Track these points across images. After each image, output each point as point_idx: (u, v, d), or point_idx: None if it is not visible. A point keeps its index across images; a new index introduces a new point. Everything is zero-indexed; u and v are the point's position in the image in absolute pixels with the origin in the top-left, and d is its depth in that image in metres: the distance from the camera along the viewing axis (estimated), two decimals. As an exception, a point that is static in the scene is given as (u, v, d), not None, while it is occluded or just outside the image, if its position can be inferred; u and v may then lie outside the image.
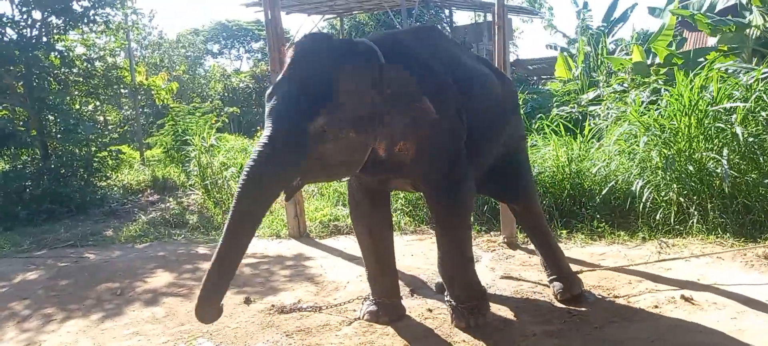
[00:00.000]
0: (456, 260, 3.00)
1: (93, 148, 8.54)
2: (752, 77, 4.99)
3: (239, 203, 2.44)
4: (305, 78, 2.50)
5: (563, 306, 3.26)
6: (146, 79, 12.05)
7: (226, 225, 2.47)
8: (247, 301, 3.69)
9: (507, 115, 3.39)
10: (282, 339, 3.05)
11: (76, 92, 9.21)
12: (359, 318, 3.24)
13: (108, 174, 8.70)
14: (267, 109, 2.53)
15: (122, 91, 11.16)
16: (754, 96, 4.71)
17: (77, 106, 9.56)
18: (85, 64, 9.01)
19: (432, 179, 2.91)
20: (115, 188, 8.61)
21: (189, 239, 5.78)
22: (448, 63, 2.99)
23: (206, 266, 4.59)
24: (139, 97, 12.62)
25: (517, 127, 3.57)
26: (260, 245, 5.23)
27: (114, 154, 9.04)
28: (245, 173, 2.44)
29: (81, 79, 9.05)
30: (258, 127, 17.35)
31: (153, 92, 11.23)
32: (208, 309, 2.52)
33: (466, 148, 2.94)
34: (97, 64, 9.46)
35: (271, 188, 2.51)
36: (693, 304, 3.15)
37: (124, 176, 9.47)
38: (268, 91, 2.56)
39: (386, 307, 3.20)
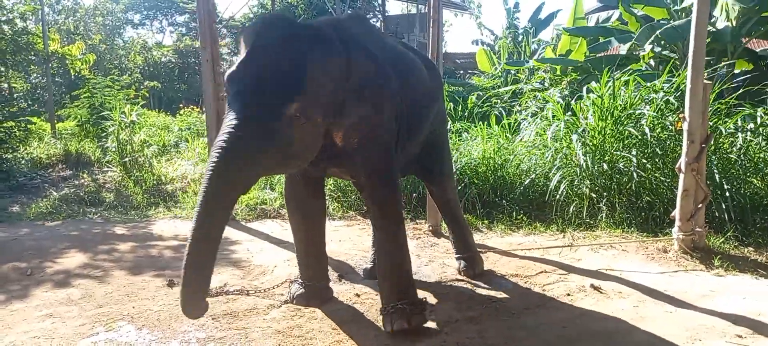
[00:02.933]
0: (395, 255, 2.92)
1: (-1, 118, 7.94)
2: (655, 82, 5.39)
3: (206, 199, 2.25)
4: (275, 62, 2.40)
5: (484, 293, 3.41)
6: (61, 47, 11.28)
7: (194, 220, 2.25)
8: (170, 284, 3.60)
9: (435, 100, 3.52)
10: (208, 322, 3.00)
11: (-21, 56, 8.53)
12: (287, 301, 3.25)
13: (15, 146, 8.12)
14: (231, 94, 2.41)
15: (32, 58, 10.41)
16: (660, 101, 5.08)
17: (-21, 72, 8.86)
18: (-10, 27, 8.36)
19: (370, 171, 2.85)
20: (23, 161, 8.06)
21: (105, 217, 5.54)
22: (387, 51, 3.04)
23: (124, 246, 4.47)
24: (52, 65, 11.81)
25: (441, 112, 3.74)
26: (183, 227, 5.09)
27: (22, 124, 8.44)
28: (212, 164, 2.27)
29: (-14, 43, 8.39)
30: (181, 105, 16.74)
31: (67, 62, 10.54)
32: (194, 306, 2.37)
33: (402, 134, 3.01)
34: (5, 27, 8.79)
35: (240, 179, 2.36)
36: (601, 292, 3.39)
37: (33, 148, 8.87)
38: (228, 74, 2.43)
39: (315, 290, 3.24)
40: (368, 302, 3.28)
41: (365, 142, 2.71)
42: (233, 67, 2.45)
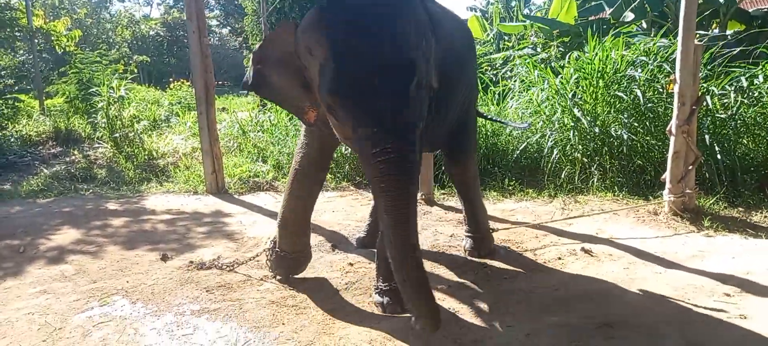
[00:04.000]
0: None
1: (-15, 96, 7.85)
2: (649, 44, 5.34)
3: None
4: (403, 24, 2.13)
5: (476, 260, 3.44)
6: (45, 23, 11.10)
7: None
8: (164, 258, 3.61)
9: (467, 66, 3.17)
10: (202, 294, 3.02)
11: (-38, 33, 8.38)
12: (270, 270, 3.21)
13: (3, 123, 8.05)
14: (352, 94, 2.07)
15: (16, 34, 10.24)
16: (651, 64, 5.06)
17: (-36, 49, 8.72)
18: (-28, 2, 8.20)
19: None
20: (12, 139, 7.99)
21: (98, 193, 5.52)
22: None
23: (117, 222, 4.46)
24: (37, 41, 11.62)
25: (473, 80, 3.38)
26: (176, 201, 5.09)
27: (9, 102, 8.35)
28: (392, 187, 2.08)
29: (-32, 19, 8.24)
30: (171, 79, 16.57)
31: (53, 38, 10.38)
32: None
33: (435, 104, 2.69)
34: (-13, 2, 8.64)
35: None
36: (592, 256, 3.43)
37: (22, 126, 8.78)
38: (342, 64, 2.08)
39: (298, 259, 3.12)
40: (361, 270, 3.30)
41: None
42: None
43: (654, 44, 5.24)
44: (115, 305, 2.95)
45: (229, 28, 30.35)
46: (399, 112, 2.05)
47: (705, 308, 2.68)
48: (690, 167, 4.05)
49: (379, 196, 2.09)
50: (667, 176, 4.12)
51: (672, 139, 4.05)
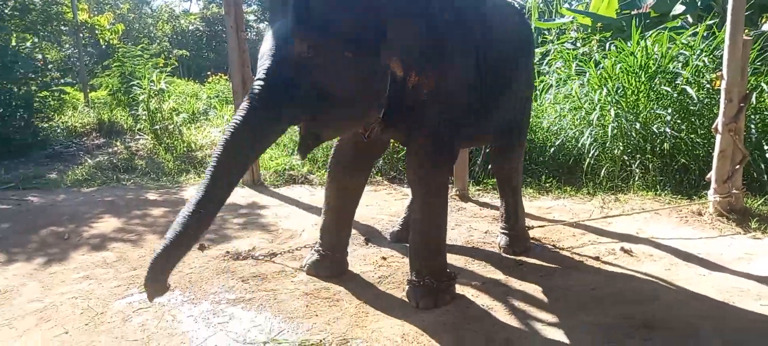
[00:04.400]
0: (430, 229, 2.71)
1: (33, 87, 8.13)
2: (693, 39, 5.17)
3: (219, 157, 2.13)
4: None
5: (511, 257, 3.39)
6: (90, 17, 11.43)
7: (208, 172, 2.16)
8: (201, 247, 3.67)
9: (523, 58, 3.11)
10: (238, 284, 3.07)
11: (12, 27, 8.67)
12: (301, 268, 3.24)
13: (50, 115, 8.33)
14: None
15: (63, 28, 10.58)
16: (696, 59, 4.89)
17: (13, 43, 9.03)
18: (21, -3, 8.50)
19: (431, 130, 2.55)
20: (58, 130, 8.26)
21: (138, 184, 5.65)
22: None
23: (156, 211, 4.57)
24: (82, 35, 11.99)
25: (529, 72, 3.30)
26: (213, 192, 5.16)
27: (56, 94, 8.63)
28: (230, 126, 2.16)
29: (17, 14, 8.52)
30: (209, 73, 16.87)
31: (97, 32, 10.68)
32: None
33: (482, 96, 2.72)
34: (36, -1, 8.94)
35: (249, 142, 2.21)
36: (631, 256, 3.34)
37: (67, 117, 9.07)
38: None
39: (330, 260, 3.13)
40: (395, 265, 3.30)
41: (438, 91, 2.45)
42: None
43: (698, 37, 5.06)
44: (154, 292, 3.01)
45: (266, 22, 30.73)
46: (267, 75, 2.18)
47: (750, 312, 2.58)
48: (737, 166, 3.90)
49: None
50: (712, 175, 3.98)
51: (718, 137, 3.91)
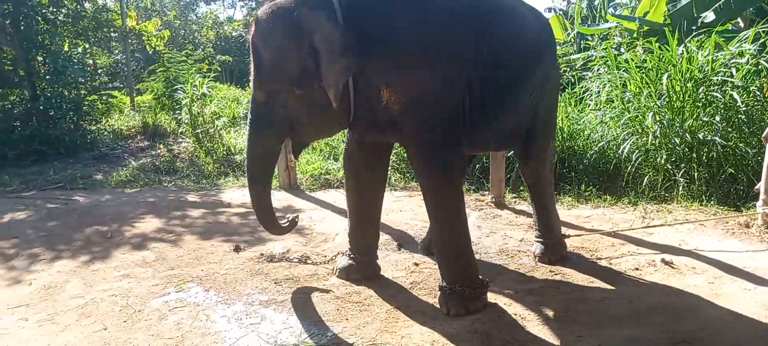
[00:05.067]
0: (443, 236, 2.72)
1: (83, 91, 8.46)
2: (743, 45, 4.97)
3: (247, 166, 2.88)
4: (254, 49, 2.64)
5: (546, 267, 3.32)
6: (137, 23, 11.81)
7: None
8: (237, 249, 3.74)
9: (540, 61, 3.05)
10: (271, 286, 3.10)
11: (65, 33, 9.04)
12: (333, 271, 3.25)
13: (98, 118, 8.65)
14: None
15: (112, 34, 10.97)
16: (747, 64, 4.70)
17: (66, 48, 9.41)
18: (74, 4, 8.83)
19: (416, 137, 2.63)
20: (105, 133, 8.55)
21: (179, 186, 5.80)
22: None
23: (195, 213, 4.67)
24: (130, 41, 12.40)
25: (551, 75, 3.25)
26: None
27: (104, 98, 8.95)
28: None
29: (70, 21, 8.88)
30: (249, 78, 17.18)
31: (144, 38, 11.03)
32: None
33: (483, 98, 2.71)
34: (87, 5, 9.27)
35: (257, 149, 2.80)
36: (672, 268, 3.22)
37: (114, 120, 9.39)
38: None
39: (360, 264, 3.15)
40: (426, 271, 3.27)
41: (410, 103, 2.54)
42: None
43: (748, 41, 4.86)
44: (190, 291, 3.08)
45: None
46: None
47: (800, 330, 2.45)
48: (788, 177, 3.72)
49: None
50: (761, 185, 3.81)
51: (768, 146, 3.75)
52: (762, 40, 5.02)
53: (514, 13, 2.97)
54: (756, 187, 3.89)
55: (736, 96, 4.49)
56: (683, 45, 5.01)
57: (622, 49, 7.63)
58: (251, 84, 2.71)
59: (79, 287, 3.18)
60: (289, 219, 3.11)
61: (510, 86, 2.86)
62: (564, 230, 3.62)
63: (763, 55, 4.78)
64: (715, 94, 4.68)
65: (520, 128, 3.13)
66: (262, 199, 2.89)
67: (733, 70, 4.72)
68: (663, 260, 3.30)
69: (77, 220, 4.50)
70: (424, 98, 2.57)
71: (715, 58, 4.85)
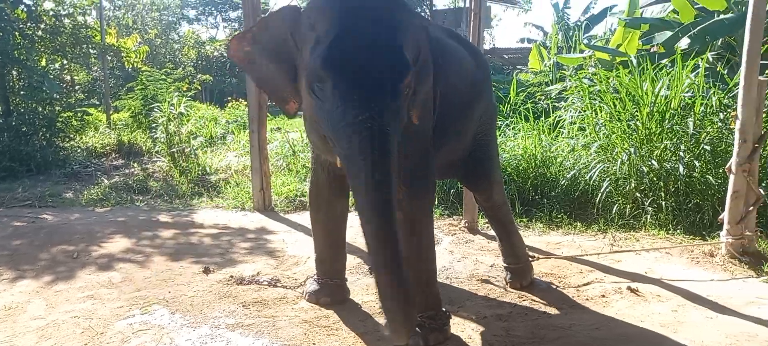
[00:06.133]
0: (417, 262, 2.61)
1: (57, 108, 8.35)
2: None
3: None
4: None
5: (515, 292, 3.34)
6: (117, 40, 11.75)
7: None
8: (206, 271, 3.70)
9: (480, 96, 3.17)
10: (238, 309, 3.07)
11: (43, 49, 8.95)
12: (303, 295, 3.23)
13: (71, 135, 8.53)
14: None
15: (91, 51, 10.88)
16: (708, 97, 4.85)
17: (43, 64, 9.31)
18: (52, 20, 8.76)
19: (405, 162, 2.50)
20: (79, 150, 8.44)
21: (151, 205, 5.73)
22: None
23: (166, 233, 4.60)
24: (109, 58, 12.31)
25: (489, 110, 3.35)
26: (223, 217, 5.21)
27: (79, 115, 8.85)
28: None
29: (48, 36, 8.80)
30: (230, 98, 17.13)
31: (123, 54, 10.97)
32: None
33: (441, 129, 2.75)
34: (66, 21, 9.21)
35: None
36: (638, 295, 3.27)
37: (88, 138, 9.27)
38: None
39: (330, 288, 3.14)
40: (396, 295, 3.26)
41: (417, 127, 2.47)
42: None
43: (699, 77, 5.02)
44: (156, 314, 3.03)
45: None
46: (387, 103, 2.03)
47: (759, 359, 2.50)
48: (750, 208, 3.82)
49: (356, 184, 2.00)
50: (725, 216, 3.90)
51: (732, 177, 3.85)
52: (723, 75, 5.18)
53: (457, 53, 3.04)
54: (720, 217, 3.97)
55: (691, 127, 4.62)
56: (650, 77, 5.13)
57: (594, 80, 7.81)
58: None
59: (40, 308, 3.12)
60: None
61: (455, 121, 2.93)
62: (532, 255, 3.66)
63: (716, 87, 4.94)
64: (677, 127, 4.80)
65: (460, 158, 3.19)
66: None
67: (695, 103, 4.85)
68: (629, 288, 3.34)
69: (44, 239, 4.42)
70: (419, 122, 2.53)
71: (668, 91, 4.97)
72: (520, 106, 6.50)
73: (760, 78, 3.78)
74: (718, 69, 5.65)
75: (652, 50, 7.68)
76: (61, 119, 8.22)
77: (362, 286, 3.44)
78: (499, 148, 3.96)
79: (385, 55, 2.08)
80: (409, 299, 1.95)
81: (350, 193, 3.04)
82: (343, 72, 2.03)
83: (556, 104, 7.15)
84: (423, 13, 18.93)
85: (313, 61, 2.11)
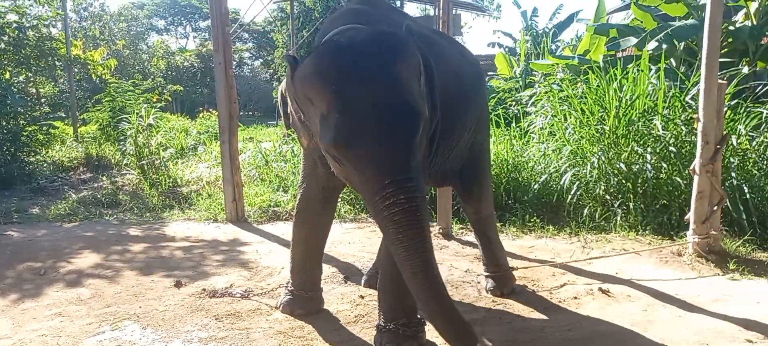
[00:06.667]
0: (395, 270, 2.48)
1: (22, 122, 8.15)
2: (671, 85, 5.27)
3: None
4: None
5: (488, 296, 3.37)
6: (83, 52, 11.53)
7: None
8: (178, 284, 3.64)
9: (472, 101, 3.12)
10: (211, 323, 3.03)
11: (6, 62, 8.74)
12: (277, 306, 3.20)
13: (37, 149, 8.33)
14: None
15: (57, 63, 10.67)
16: (672, 99, 4.98)
17: (7, 77, 9.09)
18: (16, 32, 8.57)
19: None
20: (45, 165, 8.25)
21: (121, 219, 5.63)
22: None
23: (136, 247, 4.53)
24: (75, 70, 12.08)
25: (481, 116, 3.32)
26: (196, 229, 5.14)
27: (44, 128, 8.65)
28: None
29: (11, 49, 8.61)
30: (201, 108, 16.95)
31: (89, 67, 10.77)
32: None
33: (435, 135, 2.70)
34: (29, 33, 9.01)
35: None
36: (609, 296, 3.32)
37: (55, 152, 9.08)
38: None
39: (304, 299, 3.11)
40: (371, 303, 3.26)
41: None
42: None
43: (659, 76, 5.16)
44: (126, 329, 2.98)
45: (260, 60, 31.11)
46: (407, 161, 2.01)
47: (725, 354, 2.56)
48: (715, 208, 3.92)
49: (396, 246, 2.02)
50: (690, 216, 4.00)
51: (696, 178, 3.95)
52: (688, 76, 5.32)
53: (446, 54, 3.01)
54: (686, 217, 4.07)
55: (659, 127, 4.73)
56: (617, 80, 5.25)
57: (562, 85, 7.95)
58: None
59: (6, 328, 3.03)
60: None
61: (446, 126, 2.84)
62: (511, 262, 3.69)
63: (676, 89, 5.08)
64: (643, 124, 4.91)
65: (455, 166, 3.17)
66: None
67: (656, 106, 4.98)
68: (600, 289, 3.40)
69: (9, 256, 4.30)
70: None
71: (636, 90, 5.10)
72: (491, 113, 6.56)
73: (720, 81, 3.89)
74: (678, 72, 5.81)
75: (618, 55, 7.86)
76: (25, 133, 8.03)
77: (337, 295, 3.43)
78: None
79: (394, 117, 2.02)
80: (466, 325, 2.14)
81: (335, 204, 3.06)
82: (356, 149, 2.02)
83: (526, 110, 7.25)
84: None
85: (322, 141, 2.10)
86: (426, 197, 2.16)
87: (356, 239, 4.77)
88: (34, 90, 13.00)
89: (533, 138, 6.17)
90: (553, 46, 11.09)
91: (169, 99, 15.57)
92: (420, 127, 2.07)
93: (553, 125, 5.91)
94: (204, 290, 3.52)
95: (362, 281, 3.62)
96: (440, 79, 2.51)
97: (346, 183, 2.80)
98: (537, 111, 6.60)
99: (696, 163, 3.94)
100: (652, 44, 6.65)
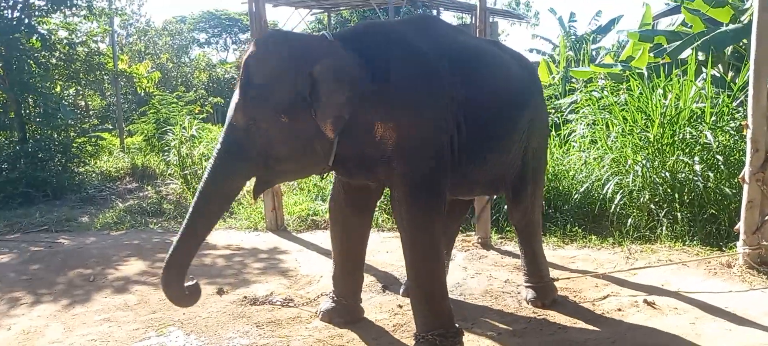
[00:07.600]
0: (418, 278, 2.70)
1: (72, 134, 8.48)
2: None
3: (195, 202, 2.64)
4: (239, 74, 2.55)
5: (530, 308, 3.32)
6: (129, 66, 11.93)
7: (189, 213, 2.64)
8: (220, 292, 3.72)
9: (525, 107, 3.09)
10: (252, 330, 3.08)
11: (57, 76, 9.11)
12: (316, 314, 3.23)
13: (86, 160, 8.64)
14: None
15: (104, 77, 11.06)
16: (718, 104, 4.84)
17: (58, 91, 9.47)
18: (67, 48, 8.92)
19: (406, 178, 2.61)
20: (93, 175, 8.54)
21: (165, 228, 5.78)
22: (442, 45, 2.79)
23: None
24: (122, 83, 12.50)
25: (539, 123, 3.27)
26: (236, 237, 5.24)
27: (93, 140, 8.97)
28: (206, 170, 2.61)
29: (62, 64, 8.96)
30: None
31: (135, 80, 11.13)
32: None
33: (477, 138, 2.76)
34: (79, 48, 9.36)
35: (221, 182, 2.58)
36: (655, 308, 3.23)
37: (103, 162, 9.39)
38: None
39: (344, 308, 3.13)
40: (410, 313, 3.22)
41: (401, 148, 2.55)
42: None
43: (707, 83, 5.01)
44: (171, 335, 3.06)
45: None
46: None
47: (780, 370, 2.46)
48: (766, 218, 3.77)
49: None
50: (740, 226, 3.86)
51: (745, 187, 3.81)
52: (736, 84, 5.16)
53: (495, 59, 3.04)
54: (736, 227, 3.93)
55: (709, 136, 4.58)
56: (661, 88, 5.12)
57: (606, 92, 7.79)
58: (231, 108, 2.52)
59: (58, 332, 3.15)
60: (189, 287, 2.81)
61: (494, 130, 2.90)
62: (552, 273, 3.62)
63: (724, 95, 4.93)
64: (690, 132, 4.77)
65: (507, 173, 3.13)
66: (193, 242, 2.76)
67: (705, 113, 4.84)
68: (645, 301, 3.31)
69: (60, 263, 4.47)
70: (416, 136, 2.59)
71: (684, 98, 4.96)
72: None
73: (771, 85, 3.75)
74: (726, 78, 5.63)
75: (661, 62, 7.66)
76: (75, 145, 8.34)
77: (375, 304, 3.44)
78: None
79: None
80: None
81: (372, 211, 3.12)
82: None
83: (566, 117, 7.14)
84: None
85: None
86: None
87: (394, 248, 4.76)
88: (83, 103, 13.48)
89: (573, 146, 6.07)
90: (593, 53, 10.88)
91: (211, 110, 15.93)
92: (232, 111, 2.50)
93: (594, 133, 5.80)
94: (245, 297, 3.58)
95: (401, 291, 3.61)
96: (472, 80, 2.72)
97: (376, 186, 2.94)
98: (578, 119, 6.48)
99: (746, 172, 3.81)
100: (687, 52, 6.46)
